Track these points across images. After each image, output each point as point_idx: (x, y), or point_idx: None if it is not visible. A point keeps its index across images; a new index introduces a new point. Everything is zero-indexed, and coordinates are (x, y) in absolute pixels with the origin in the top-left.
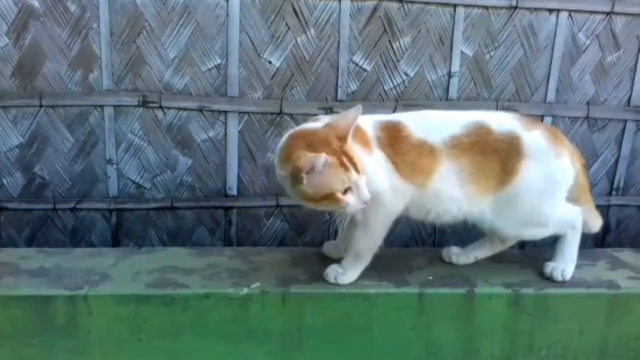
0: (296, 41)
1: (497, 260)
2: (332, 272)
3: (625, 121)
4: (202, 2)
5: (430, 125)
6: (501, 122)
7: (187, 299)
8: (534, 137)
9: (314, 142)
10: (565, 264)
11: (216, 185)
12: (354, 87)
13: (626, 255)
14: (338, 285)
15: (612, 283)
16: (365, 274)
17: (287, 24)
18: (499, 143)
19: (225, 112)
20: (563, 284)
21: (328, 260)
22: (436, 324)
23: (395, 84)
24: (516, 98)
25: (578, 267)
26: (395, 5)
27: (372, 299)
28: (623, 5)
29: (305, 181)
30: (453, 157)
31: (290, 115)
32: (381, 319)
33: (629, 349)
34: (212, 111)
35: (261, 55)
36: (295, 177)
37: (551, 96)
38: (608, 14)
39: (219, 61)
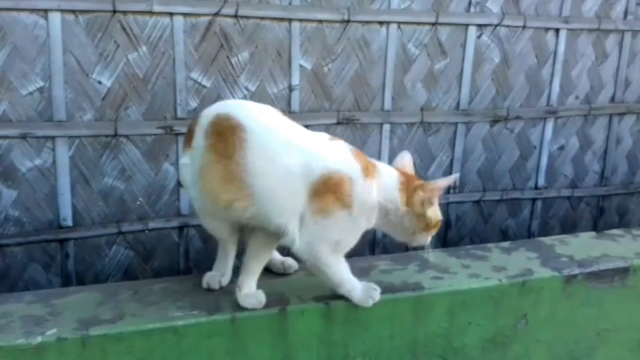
0: (127, 59)
1: (311, 274)
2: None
3: (456, 124)
4: (18, 22)
5: None
6: None
7: None
8: None
9: (409, 178)
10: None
11: (47, 216)
12: (193, 104)
13: (433, 255)
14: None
15: (417, 285)
16: (177, 305)
17: (115, 42)
18: None
19: (53, 138)
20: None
21: (137, 292)
22: (251, 346)
23: (237, 99)
24: (355, 107)
25: (389, 271)
26: (230, 20)
27: (181, 330)
28: (446, 15)
29: (435, 204)
30: None
31: (127, 136)
32: (192, 350)
33: (436, 345)
34: (37, 137)
35: (89, 75)
36: (428, 203)
37: (388, 104)
38: (433, 24)
39: (42, 83)
